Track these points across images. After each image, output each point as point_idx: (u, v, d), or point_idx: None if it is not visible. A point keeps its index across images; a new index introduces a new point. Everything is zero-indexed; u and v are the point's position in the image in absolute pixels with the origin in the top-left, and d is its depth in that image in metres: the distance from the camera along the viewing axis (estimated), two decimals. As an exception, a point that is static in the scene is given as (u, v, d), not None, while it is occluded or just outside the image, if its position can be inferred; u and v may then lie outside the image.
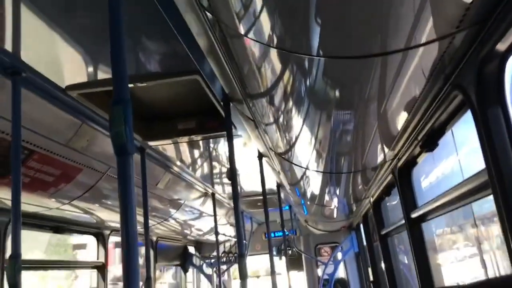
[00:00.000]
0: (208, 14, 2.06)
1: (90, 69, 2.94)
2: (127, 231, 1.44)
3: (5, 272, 3.87)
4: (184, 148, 5.15)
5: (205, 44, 2.44)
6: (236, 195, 3.53)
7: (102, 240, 5.99)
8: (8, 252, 2.62)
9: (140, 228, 4.75)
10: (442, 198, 2.87)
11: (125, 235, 1.44)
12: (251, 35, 1.96)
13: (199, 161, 6.01)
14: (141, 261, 7.22)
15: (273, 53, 2.05)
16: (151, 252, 7.59)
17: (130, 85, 3.09)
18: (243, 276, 3.22)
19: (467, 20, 1.63)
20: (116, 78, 1.47)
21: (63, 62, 2.87)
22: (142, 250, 5.15)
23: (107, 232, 6.06)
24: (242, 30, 1.94)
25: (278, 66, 2.21)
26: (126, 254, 1.42)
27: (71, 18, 2.49)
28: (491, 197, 1.96)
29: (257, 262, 12.55)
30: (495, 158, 1.85)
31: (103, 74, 2.97)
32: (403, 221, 3.94)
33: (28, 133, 3.05)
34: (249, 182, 7.01)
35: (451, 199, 2.74)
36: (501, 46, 1.71)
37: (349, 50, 1.90)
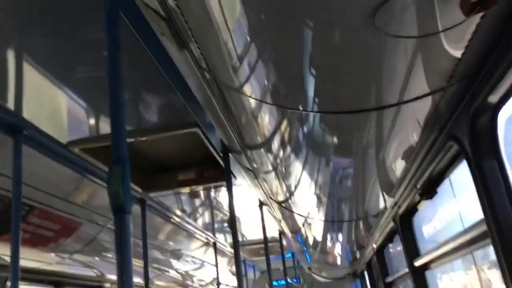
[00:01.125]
0: (206, 73, 2.11)
1: (91, 124, 2.99)
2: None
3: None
4: (185, 198, 5.14)
5: (203, 98, 2.49)
6: (236, 243, 3.50)
7: (102, 293, 5.90)
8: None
9: (140, 280, 4.68)
10: (444, 246, 2.85)
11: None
12: (246, 91, 2.00)
13: (200, 210, 5.99)
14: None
15: (269, 107, 2.09)
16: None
17: (131, 140, 3.13)
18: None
19: (458, 74, 1.67)
20: (115, 138, 1.50)
21: (64, 118, 2.92)
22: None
23: (108, 285, 5.96)
24: (237, 86, 1.99)
25: (274, 119, 2.24)
26: None
27: (72, 75, 2.54)
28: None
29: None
30: (492, 208, 1.85)
31: (104, 128, 3.01)
32: (407, 269, 3.89)
33: (28, 189, 3.06)
34: (251, 230, 6.96)
35: (453, 248, 2.72)
36: (493, 99, 1.74)
37: (344, 105, 1.94)
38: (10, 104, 2.63)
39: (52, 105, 2.77)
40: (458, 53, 1.57)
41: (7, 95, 2.59)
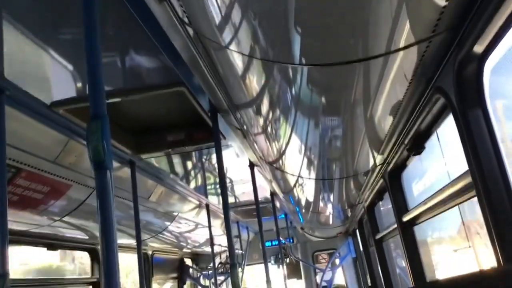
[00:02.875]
0: (188, 28, 2.06)
1: (75, 84, 2.94)
2: (107, 246, 1.43)
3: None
4: (176, 160, 5.13)
5: (188, 57, 2.44)
6: (226, 204, 3.51)
7: (96, 255, 5.94)
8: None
9: (133, 242, 4.72)
10: (430, 200, 2.87)
11: (105, 251, 1.42)
12: (232, 47, 1.96)
13: (191, 173, 5.99)
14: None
15: (256, 63, 2.06)
16: (147, 267, 7.55)
17: (117, 99, 3.09)
18: (235, 286, 3.20)
19: (442, 24, 1.64)
20: (92, 93, 1.47)
21: (47, 78, 2.87)
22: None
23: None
24: (223, 43, 1.95)
25: (262, 76, 2.21)
26: (107, 269, 1.40)
27: (54, 34, 2.49)
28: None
29: (258, 272, 12.48)
30: (477, 159, 1.85)
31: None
32: (396, 225, 3.94)
33: (14, 151, 3.04)
34: (244, 191, 6.99)
35: (440, 201, 2.74)
36: (478, 48, 1.72)
37: (331, 57, 1.91)
38: (-9, 64, 2.58)
39: (34, 66, 2.72)
40: (442, 2, 1.54)
41: (-13, 54, 2.54)
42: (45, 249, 4.98)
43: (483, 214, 1.89)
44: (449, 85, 1.94)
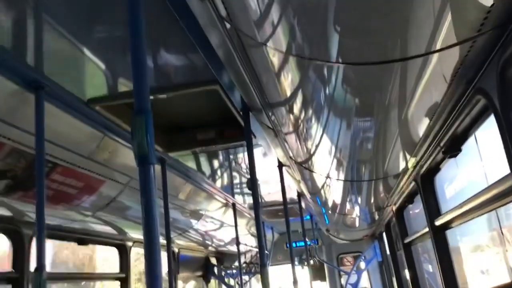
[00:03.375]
0: (227, 24, 2.07)
1: (112, 81, 2.98)
2: (149, 241, 1.44)
3: (30, 285, 3.91)
4: (204, 158, 5.17)
5: (224, 54, 2.45)
6: (256, 204, 3.51)
7: (124, 252, 6.01)
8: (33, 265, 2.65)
9: (162, 239, 4.76)
10: (466, 204, 2.82)
11: (147, 245, 1.44)
12: (270, 43, 1.96)
13: (219, 172, 6.02)
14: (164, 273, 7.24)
15: (292, 61, 2.05)
16: (173, 264, 7.61)
17: (151, 97, 3.12)
18: (265, 286, 3.20)
19: (488, 23, 1.61)
20: (137, 88, 1.49)
21: (85, 75, 2.92)
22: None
23: (130, 243, 6.08)
24: (260, 39, 1.95)
25: (297, 74, 2.21)
26: (149, 264, 1.42)
27: (92, 32, 2.53)
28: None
29: (280, 273, 12.45)
30: (520, 162, 1.81)
31: (124, 86, 3.01)
32: (427, 229, 3.88)
33: (51, 146, 3.09)
34: (270, 191, 6.99)
35: (476, 206, 2.69)
36: (524, 49, 1.69)
37: (368, 56, 1.89)
38: (30, 61, 2.64)
39: (72, 62, 2.77)
40: (488, 1, 1.51)
41: (27, 52, 2.60)
42: (75, 244, 5.07)
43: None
44: (492, 86, 1.90)
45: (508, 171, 1.95)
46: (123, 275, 5.93)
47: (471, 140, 2.77)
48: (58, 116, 2.98)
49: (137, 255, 6.86)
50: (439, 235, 3.60)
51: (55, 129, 3.04)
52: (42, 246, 2.60)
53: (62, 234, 4.67)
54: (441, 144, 2.90)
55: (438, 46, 1.77)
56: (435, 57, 1.87)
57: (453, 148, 2.84)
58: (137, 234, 5.91)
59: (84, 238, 5.07)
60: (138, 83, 1.50)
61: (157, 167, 4.37)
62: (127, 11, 1.59)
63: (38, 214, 2.65)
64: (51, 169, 3.30)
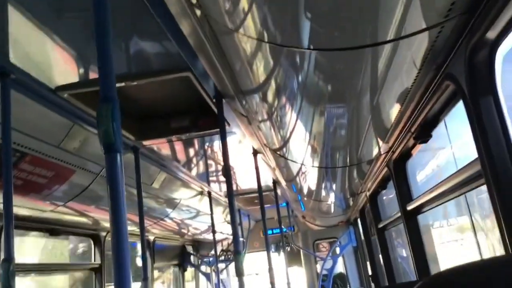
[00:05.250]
0: (197, 10, 2.04)
1: (80, 69, 2.92)
2: (117, 231, 1.42)
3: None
4: (178, 146, 5.13)
5: (195, 41, 2.42)
6: (230, 192, 3.51)
7: (98, 242, 5.96)
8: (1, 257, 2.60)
9: (136, 228, 4.72)
10: (436, 189, 2.86)
11: (115, 235, 1.42)
12: (241, 30, 1.94)
13: (194, 160, 5.99)
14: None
15: (264, 48, 2.04)
16: (148, 253, 7.58)
17: (121, 84, 3.07)
18: (239, 273, 3.20)
19: (456, 8, 1.62)
20: (103, 76, 1.45)
21: (52, 62, 2.84)
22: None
23: (103, 233, 6.03)
24: (232, 26, 1.93)
25: (269, 61, 2.19)
26: (117, 255, 1.40)
27: (59, 18, 2.46)
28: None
29: (257, 260, 12.53)
30: (487, 147, 1.84)
31: (93, 74, 2.95)
32: (399, 214, 3.94)
33: (19, 135, 3.03)
34: (245, 179, 6.99)
35: (445, 190, 2.73)
36: (491, 34, 1.70)
37: (340, 42, 1.89)
38: (-4, 48, 2.56)
39: (39, 49, 2.69)
40: (455, -13, 1.52)
41: (-8, 38, 2.52)
42: (47, 234, 5.00)
43: (492, 203, 1.88)
44: (460, 71, 1.92)
45: (476, 155, 1.98)
46: (97, 265, 5.88)
47: (441, 126, 2.80)
48: (25, 104, 2.91)
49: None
50: (411, 220, 3.66)
51: (23, 117, 2.97)
52: (10, 237, 2.55)
53: (32, 225, 4.59)
54: (412, 130, 2.93)
55: (407, 32, 1.77)
56: (405, 43, 1.88)
57: (424, 134, 2.88)
58: (111, 223, 5.84)
59: (56, 228, 5.00)
60: (104, 70, 1.47)
61: (130, 156, 4.33)
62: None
63: (5, 204, 2.59)
64: (19, 158, 3.23)
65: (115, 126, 1.40)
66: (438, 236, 4.49)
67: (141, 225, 4.38)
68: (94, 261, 5.92)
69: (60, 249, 6.29)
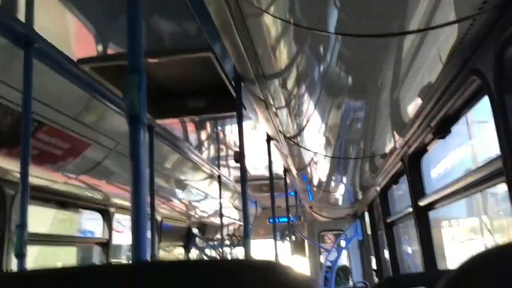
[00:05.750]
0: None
1: (103, 43, 2.92)
2: (137, 204, 1.43)
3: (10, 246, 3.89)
4: (192, 128, 5.14)
5: (220, 21, 2.41)
6: (243, 178, 3.51)
7: (107, 217, 6.01)
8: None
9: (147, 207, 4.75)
10: (451, 186, 2.84)
11: (135, 208, 1.43)
12: (270, 10, 1.93)
13: (206, 143, 6.00)
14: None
15: (290, 30, 2.02)
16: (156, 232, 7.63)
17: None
18: (247, 256, 3.22)
19: (491, 1, 1.59)
20: (132, 46, 1.45)
21: (76, 34, 2.85)
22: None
23: (112, 209, 6.07)
24: (260, 6, 1.91)
25: (293, 45, 2.18)
26: (136, 229, 1.41)
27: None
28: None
29: (261, 247, 12.59)
30: (511, 144, 1.82)
31: (116, 48, 2.95)
32: (410, 210, 3.92)
33: (38, 105, 3.04)
34: (255, 165, 7.00)
35: (461, 187, 2.71)
36: (524, 30, 1.67)
37: (366, 28, 1.87)
38: (21, 16, 2.57)
39: (64, 21, 2.70)
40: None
41: (17, 6, 2.53)
42: (58, 206, 5.04)
43: (511, 200, 1.87)
44: (488, 67, 1.89)
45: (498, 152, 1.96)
46: (105, 240, 5.94)
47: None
48: (46, 75, 2.92)
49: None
50: (422, 215, 3.64)
51: (43, 87, 2.98)
52: (25, 205, 2.58)
53: (44, 195, 4.63)
54: (431, 125, 2.91)
55: (436, 23, 1.75)
56: (432, 35, 1.86)
57: (443, 130, 2.85)
58: (120, 200, 5.90)
59: (67, 201, 5.04)
60: (133, 42, 1.47)
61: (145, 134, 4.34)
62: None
63: (22, 172, 2.61)
64: (37, 128, 3.25)
65: (141, 98, 1.41)
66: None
67: (152, 203, 4.41)
68: (103, 236, 5.98)
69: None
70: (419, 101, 2.70)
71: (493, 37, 1.81)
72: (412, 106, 2.81)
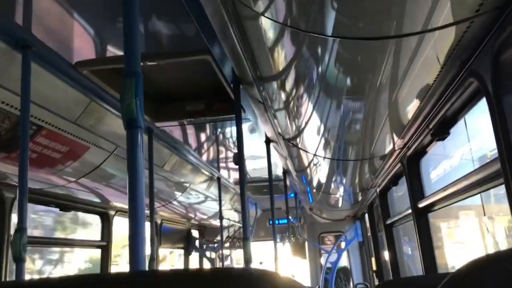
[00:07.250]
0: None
1: (101, 46, 2.92)
2: (135, 208, 1.43)
3: (10, 250, 3.88)
4: (191, 131, 5.13)
5: (217, 23, 2.41)
6: (243, 180, 3.51)
7: (107, 220, 6.00)
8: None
9: (146, 210, 4.74)
10: (451, 187, 2.84)
11: (133, 212, 1.43)
12: (267, 14, 1.93)
13: (205, 145, 6.00)
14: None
15: (287, 33, 2.02)
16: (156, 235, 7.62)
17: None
18: (247, 260, 3.21)
19: (488, 3, 1.59)
20: (129, 49, 1.45)
21: (73, 37, 2.85)
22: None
23: (112, 212, 6.07)
24: (257, 9, 1.91)
25: (291, 48, 2.18)
26: (133, 233, 1.41)
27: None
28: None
29: (261, 249, 12.57)
30: (509, 146, 1.82)
31: (113, 52, 2.95)
32: (409, 211, 3.92)
33: (36, 108, 3.04)
34: (255, 167, 7.00)
35: (460, 189, 2.71)
36: (521, 32, 1.67)
37: (364, 31, 1.87)
38: (19, 20, 2.57)
39: (62, 24, 2.70)
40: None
41: (15, 10, 2.53)
42: (58, 209, 5.04)
43: (509, 202, 1.86)
44: (485, 69, 1.89)
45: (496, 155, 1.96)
46: (105, 243, 5.93)
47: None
48: (44, 78, 2.91)
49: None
50: (421, 217, 3.64)
51: (41, 90, 2.98)
52: (23, 209, 2.57)
53: (43, 198, 4.63)
54: (430, 127, 2.91)
55: (434, 25, 1.75)
56: (430, 37, 1.86)
57: (442, 131, 2.85)
58: (120, 203, 5.90)
59: (66, 204, 5.04)
60: (130, 44, 1.47)
61: (144, 137, 4.33)
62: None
63: (21, 176, 2.61)
64: (35, 131, 3.25)
65: (138, 101, 1.40)
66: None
67: (151, 206, 4.40)
68: (102, 239, 5.97)
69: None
70: (418, 102, 2.70)
71: (490, 39, 1.81)
72: (411, 108, 2.81)
